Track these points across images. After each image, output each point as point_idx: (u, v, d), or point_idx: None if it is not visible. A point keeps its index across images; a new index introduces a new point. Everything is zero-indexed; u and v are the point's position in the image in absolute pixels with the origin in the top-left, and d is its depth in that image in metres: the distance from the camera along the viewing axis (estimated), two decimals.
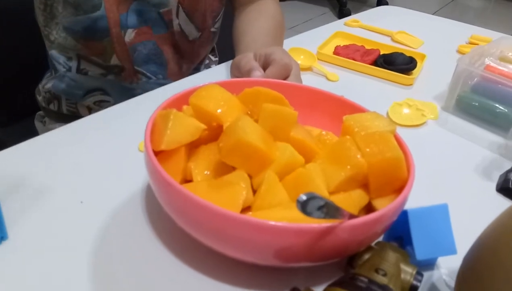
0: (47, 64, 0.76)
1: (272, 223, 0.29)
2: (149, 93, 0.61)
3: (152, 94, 0.61)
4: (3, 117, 0.94)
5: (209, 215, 0.30)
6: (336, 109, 0.45)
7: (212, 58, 0.85)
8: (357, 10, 3.30)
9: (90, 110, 0.74)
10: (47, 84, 0.74)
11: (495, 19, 3.69)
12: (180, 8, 0.67)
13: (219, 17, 0.75)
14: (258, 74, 0.51)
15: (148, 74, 0.71)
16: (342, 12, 3.16)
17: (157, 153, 0.35)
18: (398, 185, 0.36)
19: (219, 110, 0.38)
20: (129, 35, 0.66)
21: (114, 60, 0.67)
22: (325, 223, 0.29)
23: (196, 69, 0.79)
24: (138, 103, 0.59)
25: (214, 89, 0.40)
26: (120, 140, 0.50)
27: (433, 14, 3.39)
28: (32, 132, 0.89)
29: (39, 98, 0.78)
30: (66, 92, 0.72)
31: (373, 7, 3.13)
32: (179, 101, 0.42)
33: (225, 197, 0.32)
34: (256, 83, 0.47)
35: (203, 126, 0.37)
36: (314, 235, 0.30)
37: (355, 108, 0.44)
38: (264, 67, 0.54)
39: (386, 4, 3.34)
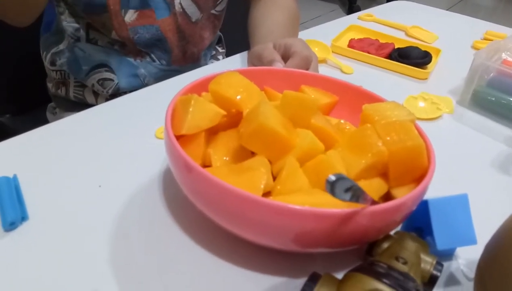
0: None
1: (293, 206, 0.29)
2: (163, 83, 0.61)
3: (166, 83, 0.61)
4: (14, 106, 0.95)
5: (231, 197, 0.30)
6: (354, 99, 0.45)
7: (220, 49, 0.85)
8: (367, 7, 3.28)
9: (97, 97, 0.74)
10: (56, 62, 0.73)
11: (506, 18, 3.65)
12: None
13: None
14: (279, 65, 0.51)
15: (152, 55, 0.71)
16: (352, 9, 3.15)
17: (176, 138, 0.35)
18: (418, 173, 0.35)
19: (238, 97, 0.38)
20: (131, 15, 0.66)
21: (114, 35, 0.68)
22: (345, 209, 0.29)
23: (201, 57, 0.78)
24: (152, 92, 0.59)
25: (234, 76, 0.40)
26: (136, 127, 0.50)
27: (450, 7, 3.29)
28: (43, 122, 0.89)
29: (49, 85, 0.79)
30: (73, 66, 0.71)
31: (382, 3, 3.09)
32: (198, 88, 0.42)
33: (246, 181, 0.32)
34: (276, 72, 0.47)
35: (223, 112, 0.37)
36: (334, 220, 0.30)
37: (373, 98, 0.44)
38: (284, 58, 0.54)
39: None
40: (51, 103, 0.82)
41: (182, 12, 0.69)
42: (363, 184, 0.35)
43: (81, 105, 0.75)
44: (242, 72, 0.42)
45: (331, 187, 0.26)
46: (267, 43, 0.57)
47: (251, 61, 0.58)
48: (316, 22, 2.95)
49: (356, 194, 0.27)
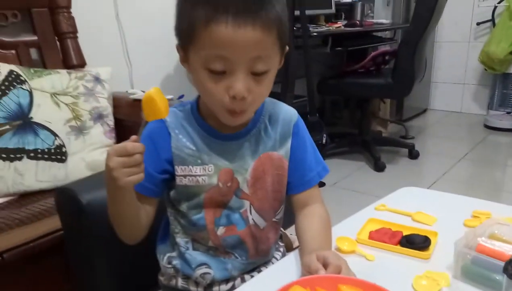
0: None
1: None
2: (249, 283, 0.91)
3: (251, 284, 0.90)
4: None
5: None
6: (370, 289, 0.72)
7: (280, 243, 1.18)
8: (391, 161, 3.62)
9: (197, 285, 1.04)
10: (172, 261, 1.05)
11: None
12: (252, 207, 1.02)
13: (279, 211, 1.09)
14: (322, 272, 0.81)
15: (236, 254, 1.04)
16: (377, 165, 3.48)
17: None
18: None
19: None
20: (221, 230, 1.01)
21: (210, 244, 1.02)
22: None
23: (270, 251, 1.09)
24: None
25: (298, 290, 0.69)
26: None
27: (465, 155, 3.64)
28: None
29: (162, 278, 1.10)
30: (184, 267, 1.04)
31: (405, 156, 3.44)
32: None
33: None
34: (323, 278, 0.77)
35: None
36: None
37: (380, 290, 0.71)
38: (324, 265, 0.83)
39: (418, 154, 3.68)
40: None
41: (254, 224, 1.03)
42: None
43: None
44: (301, 282, 0.71)
45: None
46: (312, 255, 0.87)
47: (304, 268, 0.88)
48: (347, 180, 3.29)
49: None
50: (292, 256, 0.99)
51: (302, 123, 1.08)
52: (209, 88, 0.86)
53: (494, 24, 4.49)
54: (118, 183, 0.82)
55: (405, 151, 3.74)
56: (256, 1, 0.80)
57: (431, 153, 3.94)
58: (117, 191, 0.87)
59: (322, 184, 3.21)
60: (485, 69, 4.57)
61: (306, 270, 0.86)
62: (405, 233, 1.02)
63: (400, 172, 3.40)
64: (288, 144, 1.04)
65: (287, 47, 0.93)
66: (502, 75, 4.42)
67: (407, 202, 1.21)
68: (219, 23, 0.78)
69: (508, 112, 4.37)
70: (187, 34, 0.84)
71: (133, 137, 0.82)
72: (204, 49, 0.82)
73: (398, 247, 0.97)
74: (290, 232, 1.17)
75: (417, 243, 0.97)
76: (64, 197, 1.24)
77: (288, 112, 1.06)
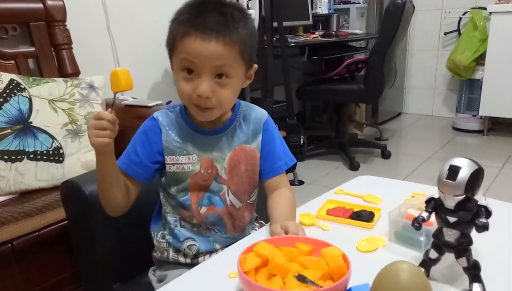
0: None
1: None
2: (227, 250, 1.13)
3: (229, 250, 1.13)
4: (121, 274, 1.45)
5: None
6: (320, 245, 0.95)
7: (256, 224, 1.40)
8: (365, 161, 3.87)
9: (185, 256, 1.25)
10: (165, 237, 1.27)
11: (489, 150, 4.24)
12: (229, 191, 1.24)
13: (252, 194, 1.31)
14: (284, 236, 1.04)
15: (215, 230, 1.25)
16: (352, 164, 3.73)
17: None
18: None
19: (266, 252, 0.89)
20: (204, 210, 1.23)
21: (195, 221, 1.23)
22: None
23: (246, 228, 1.31)
24: (220, 257, 1.10)
25: (263, 244, 0.92)
26: (211, 271, 1.00)
27: (433, 154, 3.92)
28: (146, 283, 1.38)
29: (155, 254, 1.31)
30: (174, 241, 1.25)
31: (378, 156, 3.69)
32: (248, 250, 0.93)
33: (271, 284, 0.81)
34: (284, 238, 0.99)
35: (259, 260, 0.88)
36: None
37: (327, 244, 0.94)
38: (285, 232, 1.06)
39: (390, 154, 3.95)
40: (152, 267, 1.34)
41: (231, 204, 1.25)
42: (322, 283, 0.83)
43: (175, 264, 1.26)
44: (267, 241, 0.94)
45: (299, 278, 0.75)
46: (277, 224, 1.10)
47: (271, 234, 1.11)
48: (325, 179, 3.54)
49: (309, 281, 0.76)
50: (264, 230, 1.21)
51: (271, 122, 1.31)
52: (181, 87, 1.09)
53: (460, 34, 4.83)
54: (90, 142, 1.00)
55: (379, 151, 4.01)
56: (221, 23, 1.03)
57: (402, 153, 4.23)
58: (97, 156, 1.05)
59: (301, 182, 3.45)
60: (453, 76, 4.89)
61: (272, 235, 1.08)
62: (355, 210, 1.25)
63: (373, 170, 3.66)
64: (259, 139, 1.27)
65: (256, 65, 1.17)
66: (468, 81, 4.74)
67: (361, 187, 1.45)
68: (190, 37, 1.03)
69: (474, 115, 4.69)
70: (171, 45, 1.10)
71: (109, 109, 1.03)
72: (180, 55, 1.06)
73: (349, 220, 1.21)
74: None
75: (363, 216, 1.20)
76: (70, 189, 1.44)
77: (259, 113, 1.29)
